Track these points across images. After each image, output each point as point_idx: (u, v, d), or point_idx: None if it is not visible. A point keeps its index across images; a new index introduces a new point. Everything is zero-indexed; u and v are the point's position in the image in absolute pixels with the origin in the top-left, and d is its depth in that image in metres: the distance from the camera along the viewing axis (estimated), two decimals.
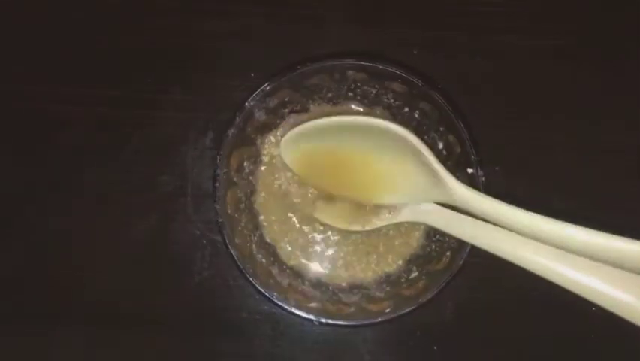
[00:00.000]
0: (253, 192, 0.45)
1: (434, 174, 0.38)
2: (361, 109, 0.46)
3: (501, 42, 0.52)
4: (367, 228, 0.42)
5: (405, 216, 0.42)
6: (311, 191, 0.45)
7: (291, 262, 0.45)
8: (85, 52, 0.52)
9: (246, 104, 0.41)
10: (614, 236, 0.30)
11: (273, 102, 0.43)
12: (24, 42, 0.52)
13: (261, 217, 0.45)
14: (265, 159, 0.45)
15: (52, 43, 0.52)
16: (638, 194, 0.49)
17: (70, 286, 0.48)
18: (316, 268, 0.45)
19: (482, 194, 0.38)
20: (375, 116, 0.46)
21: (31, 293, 0.48)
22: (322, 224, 0.44)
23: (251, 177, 0.45)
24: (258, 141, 0.45)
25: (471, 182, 0.41)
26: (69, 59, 0.51)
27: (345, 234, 0.44)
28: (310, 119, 0.46)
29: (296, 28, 0.52)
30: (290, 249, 0.45)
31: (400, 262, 0.44)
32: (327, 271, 0.44)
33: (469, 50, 0.51)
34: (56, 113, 0.50)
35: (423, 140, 0.44)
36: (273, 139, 0.45)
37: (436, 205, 0.41)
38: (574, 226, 0.32)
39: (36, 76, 0.51)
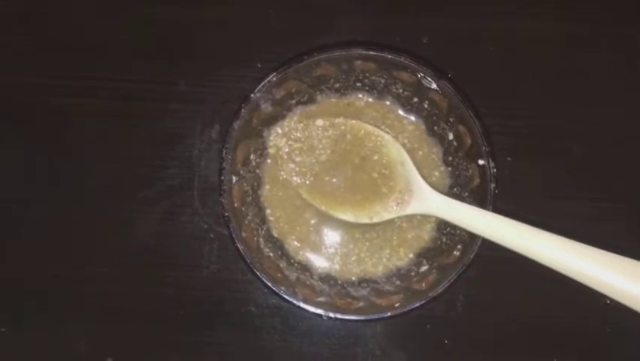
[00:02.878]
0: (260, 185, 0.45)
1: (414, 183, 0.40)
2: (370, 99, 0.45)
3: (513, 29, 0.50)
4: (375, 220, 0.41)
5: (413, 208, 0.41)
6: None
7: (299, 257, 0.44)
8: (89, 44, 0.51)
9: (252, 95, 0.41)
10: (587, 249, 0.32)
11: (279, 93, 0.42)
12: (26, 35, 0.51)
13: (268, 211, 0.44)
14: (272, 151, 0.44)
15: (54, 36, 0.51)
16: None
17: (77, 279, 0.48)
18: (326, 262, 0.44)
19: (458, 202, 0.40)
20: (385, 106, 0.45)
21: (37, 287, 0.48)
22: (331, 217, 0.43)
23: (257, 170, 0.44)
24: (265, 133, 0.44)
25: (482, 173, 0.40)
26: (72, 51, 0.51)
27: (357, 229, 0.44)
28: (318, 110, 0.45)
29: (304, 17, 0.51)
30: (298, 244, 0.44)
31: (411, 255, 0.44)
32: (337, 266, 0.44)
33: (480, 37, 0.50)
34: (60, 106, 0.50)
35: (432, 131, 0.44)
36: (279, 130, 0.44)
37: (442, 196, 0.40)
38: (545, 235, 0.34)
39: (39, 69, 0.51)
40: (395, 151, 0.42)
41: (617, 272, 0.31)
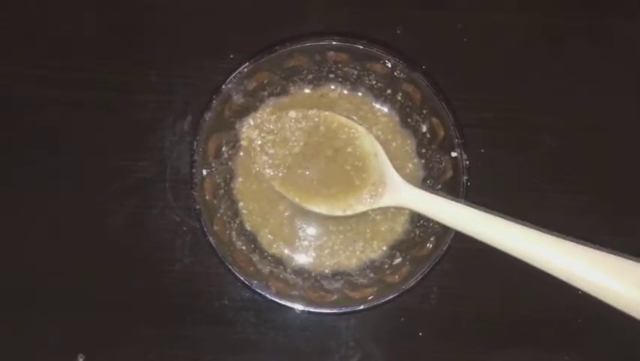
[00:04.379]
0: (232, 177, 0.44)
1: (388, 176, 0.40)
2: (344, 91, 0.45)
3: (487, 21, 0.50)
4: (348, 213, 0.41)
5: (386, 200, 0.41)
6: None
7: (273, 250, 0.44)
8: (59, 33, 0.50)
9: (223, 86, 0.40)
10: (557, 241, 0.33)
11: (251, 85, 0.42)
12: None
13: (241, 204, 0.44)
14: (244, 143, 0.44)
15: (25, 25, 0.50)
16: (624, 173, 0.48)
17: (46, 273, 0.47)
18: (299, 255, 0.44)
19: (430, 194, 0.40)
20: (359, 98, 0.45)
21: (5, 280, 0.47)
22: (304, 210, 0.43)
23: (230, 162, 0.44)
24: (237, 125, 0.43)
25: (455, 165, 0.40)
26: (41, 40, 0.50)
27: (331, 221, 0.43)
28: (290, 102, 0.45)
29: (277, 7, 0.51)
30: (271, 237, 0.44)
31: (385, 248, 0.44)
32: (311, 259, 0.43)
33: (455, 29, 0.50)
34: (28, 95, 0.49)
35: (406, 123, 0.44)
36: (252, 122, 0.44)
37: (415, 188, 0.40)
38: (516, 227, 0.34)
39: (6, 56, 0.49)
40: (368, 143, 0.42)
41: (585, 263, 0.31)
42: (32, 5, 0.50)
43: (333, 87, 0.45)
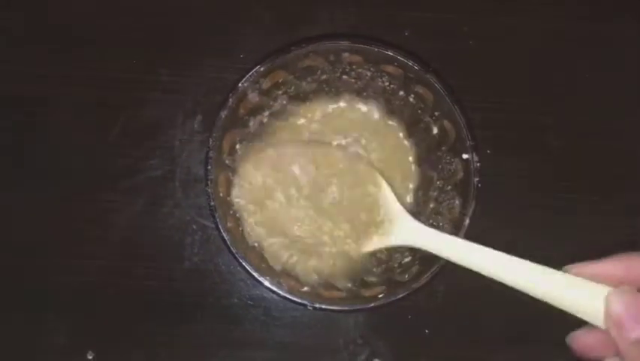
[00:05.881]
0: None
1: (393, 212, 0.40)
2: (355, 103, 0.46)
3: (494, 23, 0.51)
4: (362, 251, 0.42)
5: (394, 240, 0.41)
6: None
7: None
8: (70, 32, 0.50)
9: (240, 85, 0.40)
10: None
11: (266, 84, 0.42)
12: (4, 22, 0.50)
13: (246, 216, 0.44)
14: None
15: (34, 25, 0.50)
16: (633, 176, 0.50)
17: (57, 272, 0.47)
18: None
19: (439, 232, 0.38)
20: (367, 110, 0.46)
21: (15, 279, 0.47)
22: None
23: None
24: (251, 123, 0.44)
25: (465, 167, 0.41)
26: (51, 39, 0.50)
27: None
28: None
29: (285, 7, 0.51)
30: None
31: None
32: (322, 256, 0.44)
33: (461, 31, 0.51)
34: (40, 95, 0.49)
35: (417, 126, 0.45)
36: (265, 121, 0.44)
37: (422, 226, 0.40)
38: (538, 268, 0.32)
39: (19, 57, 0.49)
40: (372, 179, 0.42)
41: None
42: (35, 5, 0.50)
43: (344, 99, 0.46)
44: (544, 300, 0.32)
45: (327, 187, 0.42)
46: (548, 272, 0.32)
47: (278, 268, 0.43)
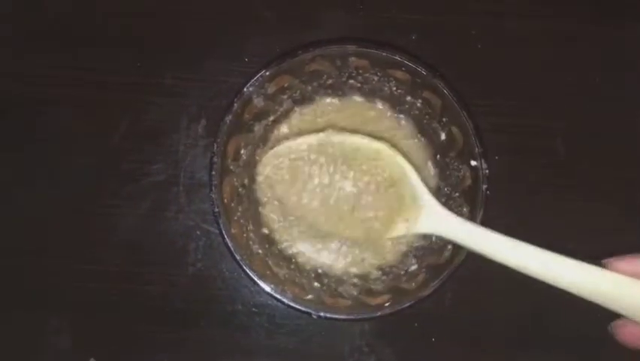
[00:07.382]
0: (250, 180, 0.44)
1: (420, 199, 0.38)
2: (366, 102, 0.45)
3: (501, 27, 0.51)
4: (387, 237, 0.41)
5: (419, 227, 0.39)
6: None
7: (289, 253, 0.43)
8: (74, 34, 0.50)
9: (245, 89, 0.40)
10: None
11: (271, 89, 0.41)
12: (8, 24, 0.50)
13: (260, 207, 0.44)
14: (260, 179, 0.43)
15: (38, 26, 0.50)
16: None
17: (59, 277, 0.46)
18: (315, 260, 0.43)
19: (474, 224, 0.36)
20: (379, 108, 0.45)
21: (18, 283, 0.46)
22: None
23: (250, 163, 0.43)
24: (256, 128, 0.43)
25: (474, 174, 0.40)
26: (55, 41, 0.49)
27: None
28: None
29: (291, 11, 0.51)
30: (289, 241, 0.43)
31: (402, 253, 0.43)
32: (327, 264, 0.43)
33: (469, 35, 0.50)
34: (43, 98, 0.48)
35: (424, 132, 0.44)
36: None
37: (453, 215, 0.38)
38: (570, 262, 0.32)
39: (22, 58, 0.49)
40: (396, 164, 0.40)
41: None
42: (39, 6, 0.50)
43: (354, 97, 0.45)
44: (584, 297, 0.32)
45: (349, 174, 0.41)
46: (588, 269, 0.32)
47: (282, 273, 0.42)
